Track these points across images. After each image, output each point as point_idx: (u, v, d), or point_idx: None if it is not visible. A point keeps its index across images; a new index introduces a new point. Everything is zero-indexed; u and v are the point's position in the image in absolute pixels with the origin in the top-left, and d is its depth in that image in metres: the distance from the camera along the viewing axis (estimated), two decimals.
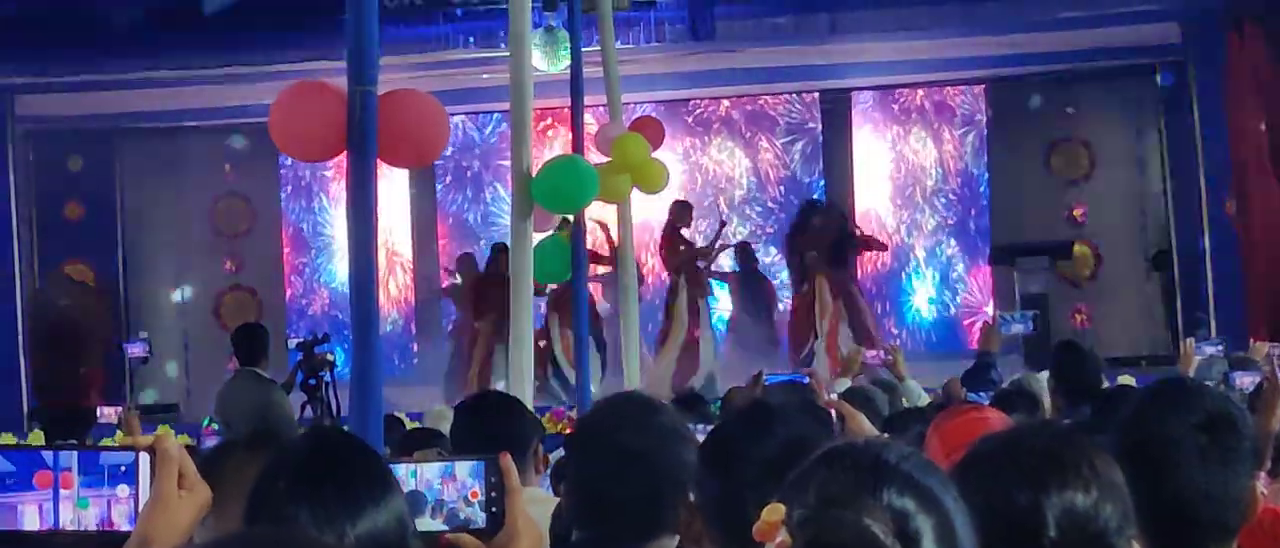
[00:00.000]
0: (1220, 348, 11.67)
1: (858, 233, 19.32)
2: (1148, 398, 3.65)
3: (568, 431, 8.53)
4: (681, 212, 18.67)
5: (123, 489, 2.59)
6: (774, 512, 2.18)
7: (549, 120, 19.16)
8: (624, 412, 3.91)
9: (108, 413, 12.28)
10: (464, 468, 3.03)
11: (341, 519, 2.74)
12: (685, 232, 18.71)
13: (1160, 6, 17.02)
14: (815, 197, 20.10)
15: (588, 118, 11.92)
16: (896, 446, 2.28)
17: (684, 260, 18.49)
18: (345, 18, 5.72)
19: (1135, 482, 2.85)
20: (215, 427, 11.50)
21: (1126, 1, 16.73)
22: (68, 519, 2.59)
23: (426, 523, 2.97)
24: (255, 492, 2.80)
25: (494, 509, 3.00)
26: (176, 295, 20.73)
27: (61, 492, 2.59)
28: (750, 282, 19.34)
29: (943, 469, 2.33)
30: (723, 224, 19.13)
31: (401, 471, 2.98)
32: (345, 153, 5.80)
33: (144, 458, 2.59)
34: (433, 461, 3.10)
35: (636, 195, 11.98)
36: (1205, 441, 3.47)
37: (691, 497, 3.53)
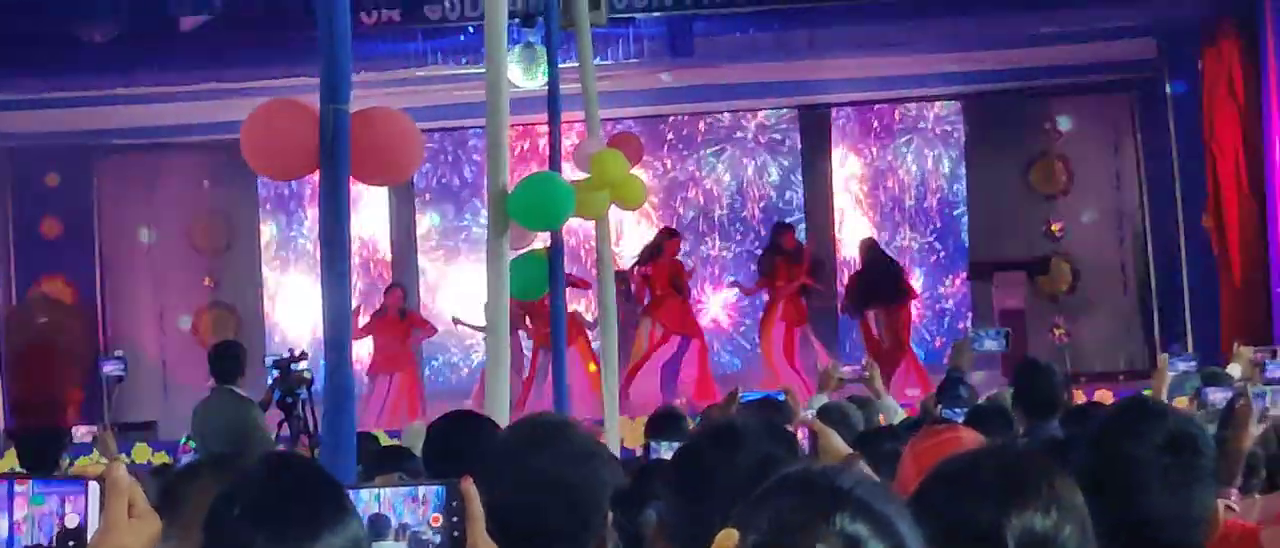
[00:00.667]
0: (1194, 364, 11.70)
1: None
2: (1111, 419, 3.66)
3: None
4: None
5: (72, 518, 2.58)
6: (728, 538, 2.18)
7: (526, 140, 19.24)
8: (535, 435, 3.78)
9: (83, 432, 12.26)
10: (426, 492, 3.01)
11: (297, 545, 2.72)
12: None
13: (1137, 23, 17.06)
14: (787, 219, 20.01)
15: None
16: (851, 471, 2.28)
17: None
18: (318, 34, 5.72)
19: (1099, 503, 2.85)
20: (192, 445, 11.47)
21: (1103, 18, 16.76)
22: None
23: (389, 547, 2.95)
24: (211, 517, 2.78)
25: (455, 534, 2.98)
26: (154, 313, 20.68)
27: (14, 520, 2.57)
28: None
29: (898, 495, 2.34)
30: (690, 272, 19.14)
31: (365, 494, 2.95)
32: (318, 171, 5.78)
33: (94, 487, 2.57)
34: (394, 485, 3.07)
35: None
36: (1168, 461, 3.48)
37: (611, 517, 3.51)
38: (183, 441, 12.44)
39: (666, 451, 5.45)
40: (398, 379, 18.30)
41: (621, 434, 11.65)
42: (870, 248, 19.14)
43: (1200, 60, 16.88)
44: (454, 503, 2.98)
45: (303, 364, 12.57)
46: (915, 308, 19.64)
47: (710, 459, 3.43)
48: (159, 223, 20.64)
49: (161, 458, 14.83)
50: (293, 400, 12.36)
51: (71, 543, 2.58)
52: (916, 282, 20.29)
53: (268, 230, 21.03)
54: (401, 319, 18.51)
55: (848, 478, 2.24)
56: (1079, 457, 3.54)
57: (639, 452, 9.82)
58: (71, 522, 2.57)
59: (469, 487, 2.99)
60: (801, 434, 5.28)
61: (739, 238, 20.90)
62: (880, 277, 18.68)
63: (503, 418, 7.00)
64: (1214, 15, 16.62)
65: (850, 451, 4.63)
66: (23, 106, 18.24)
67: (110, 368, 15.63)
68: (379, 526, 2.94)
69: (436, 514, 2.98)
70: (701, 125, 21.02)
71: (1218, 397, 8.65)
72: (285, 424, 12.32)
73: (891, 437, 6.10)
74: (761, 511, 2.23)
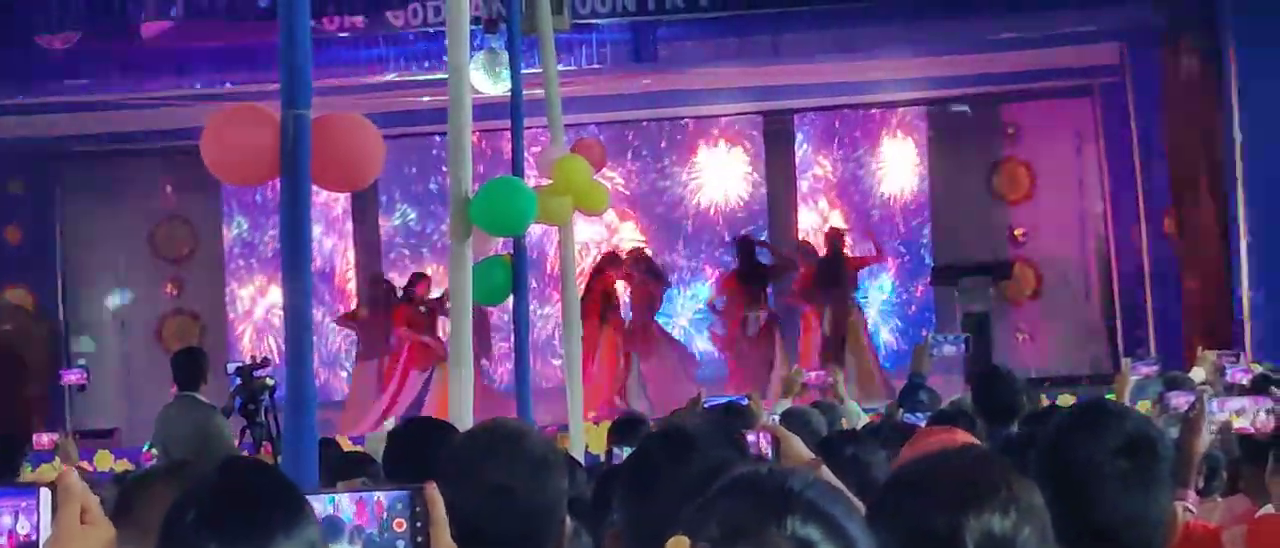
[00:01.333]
0: (1156, 368, 11.73)
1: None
2: (1068, 422, 3.66)
3: None
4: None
5: (23, 525, 2.56)
6: (678, 544, 2.17)
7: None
8: (490, 442, 3.79)
9: (44, 440, 12.20)
10: (389, 497, 3.00)
11: None
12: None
13: (1099, 27, 17.11)
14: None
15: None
16: (802, 473, 2.27)
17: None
18: (279, 39, 5.70)
19: (1057, 506, 2.85)
20: (155, 452, 11.42)
21: (1066, 22, 16.81)
22: None
23: None
24: (166, 523, 2.77)
25: (419, 540, 2.97)
26: (117, 320, 20.60)
27: None
28: None
29: (850, 498, 2.33)
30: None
31: (321, 498, 2.94)
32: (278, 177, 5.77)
33: (45, 494, 2.55)
34: (356, 490, 3.06)
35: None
36: (1125, 464, 3.49)
37: (568, 524, 3.50)
38: (145, 447, 12.40)
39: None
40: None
41: (586, 440, 11.65)
42: (834, 237, 19.17)
43: (1162, 65, 16.93)
44: (418, 509, 2.97)
45: (265, 371, 12.53)
46: (872, 311, 19.75)
47: (661, 464, 3.44)
48: (122, 230, 20.57)
49: (124, 465, 14.78)
50: (255, 407, 12.32)
51: None
52: (880, 286, 20.33)
53: (231, 235, 20.97)
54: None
55: (798, 480, 2.24)
56: (1037, 459, 3.54)
57: (603, 458, 9.81)
58: (23, 529, 2.55)
59: (433, 492, 2.98)
60: (764, 439, 5.28)
61: (704, 245, 20.90)
62: (835, 266, 18.74)
63: (466, 422, 6.99)
64: (1176, 20, 16.68)
65: (812, 456, 4.62)
66: None
67: (74, 375, 15.56)
68: (333, 527, 2.93)
69: (400, 519, 2.97)
70: (665, 131, 21.02)
71: (1179, 401, 8.66)
72: (248, 431, 12.28)
73: (853, 441, 6.09)
74: (711, 514, 2.22)
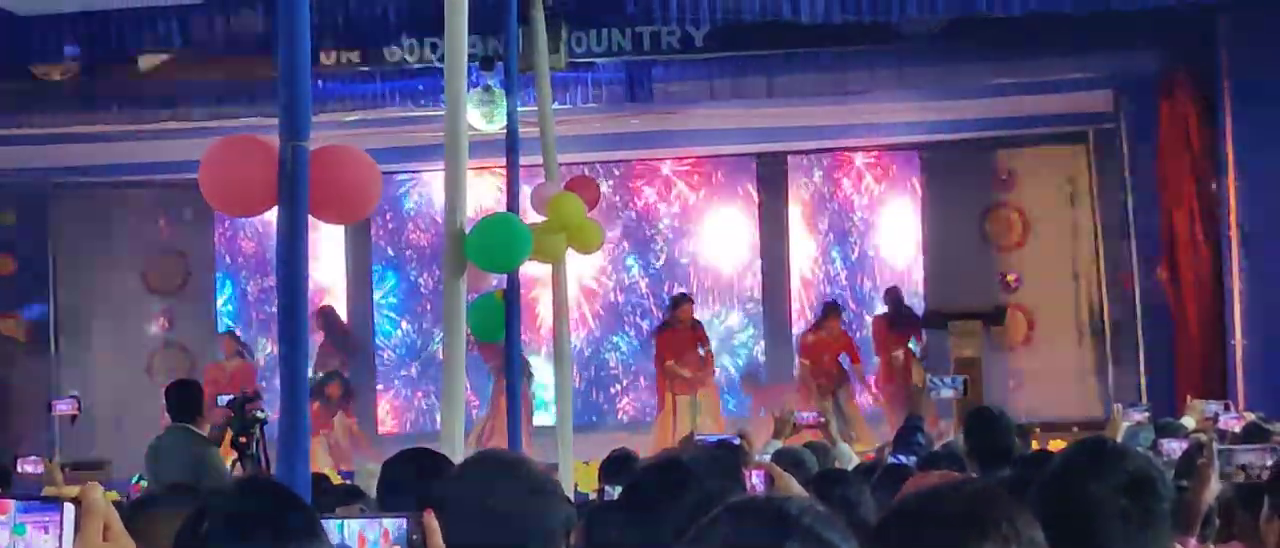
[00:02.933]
0: (1147, 415, 11.73)
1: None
2: (1070, 459, 3.66)
3: None
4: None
5: (48, 541, 2.56)
6: None
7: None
8: (486, 472, 3.82)
9: (29, 468, 12.15)
10: (387, 524, 3.02)
11: None
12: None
13: (1094, 74, 17.15)
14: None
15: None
16: (798, 499, 2.29)
17: None
18: (278, 71, 5.71)
19: (1057, 543, 2.85)
20: (143, 484, 11.38)
21: (1060, 69, 16.85)
22: None
23: None
24: (181, 535, 2.78)
25: None
26: (108, 352, 20.56)
27: None
28: None
29: (845, 524, 2.34)
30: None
31: (330, 524, 2.96)
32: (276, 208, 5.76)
33: (69, 509, 2.56)
34: (356, 516, 3.08)
35: None
36: (1126, 503, 3.49)
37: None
38: (134, 479, 12.35)
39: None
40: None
41: (574, 478, 11.64)
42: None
43: (1157, 113, 16.96)
44: (415, 537, 2.99)
45: (258, 404, 12.51)
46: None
47: (658, 493, 3.45)
48: (114, 262, 20.56)
49: (113, 496, 14.72)
50: (247, 440, 12.30)
51: None
52: (868, 330, 20.37)
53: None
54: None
55: (796, 506, 2.26)
56: (1038, 496, 3.54)
57: (593, 495, 9.80)
58: (47, 544, 2.56)
59: (431, 520, 3.01)
60: (757, 477, 5.28)
61: (697, 286, 20.91)
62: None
63: (457, 455, 6.98)
64: (1170, 68, 16.72)
65: (805, 494, 4.63)
66: None
67: (64, 406, 15.50)
68: None
69: (397, 546, 2.99)
70: (659, 171, 21.05)
71: (1172, 447, 8.68)
72: (239, 464, 12.25)
73: (844, 480, 6.10)
74: (710, 539, 2.23)
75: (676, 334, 19.04)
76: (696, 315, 19.73)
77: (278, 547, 2.73)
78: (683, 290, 19.94)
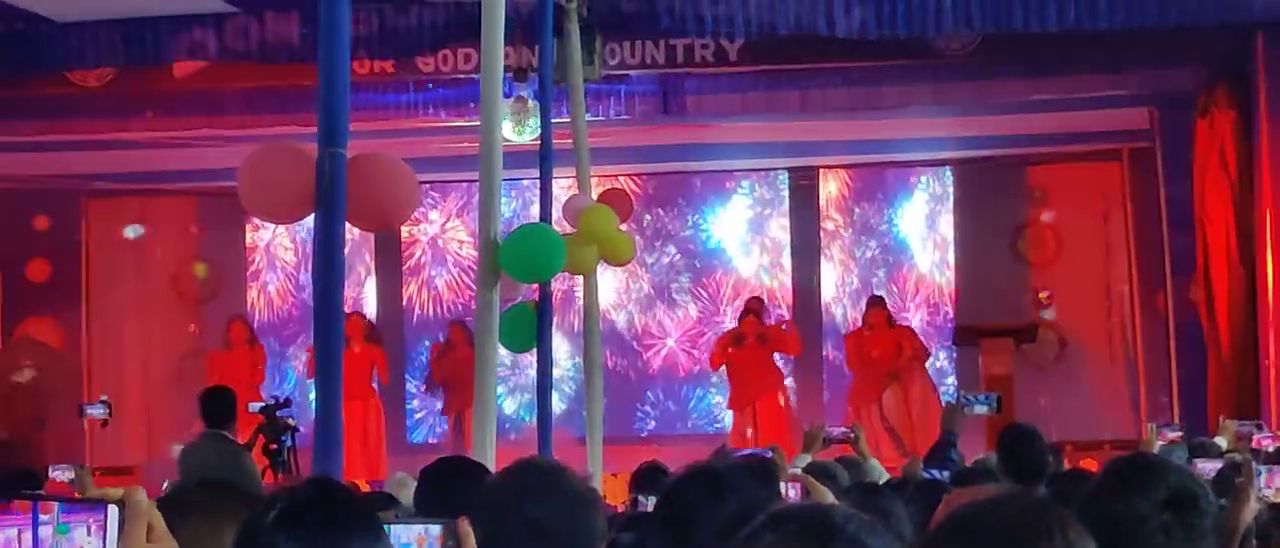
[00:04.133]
0: (1180, 435, 11.68)
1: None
2: (1111, 474, 3.64)
3: None
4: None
5: (92, 541, 2.58)
6: None
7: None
8: (527, 480, 3.79)
9: (60, 478, 12.16)
10: (422, 530, 3.03)
11: None
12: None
13: (1130, 92, 17.09)
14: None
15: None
16: (842, 508, 2.28)
17: None
18: (318, 78, 5.72)
19: None
20: None
21: (1096, 86, 16.79)
22: None
23: None
24: (245, 528, 2.80)
25: None
26: (139, 358, 20.60)
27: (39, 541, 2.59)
28: None
29: (890, 533, 2.34)
30: None
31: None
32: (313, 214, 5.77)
33: (113, 511, 2.58)
34: (391, 522, 3.08)
35: None
36: (1168, 517, 3.47)
37: None
38: (165, 486, 12.36)
39: (653, 505, 5.45)
40: None
41: (603, 491, 11.63)
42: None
43: (1193, 131, 16.90)
44: (450, 543, 2.99)
45: (289, 411, 12.54)
46: None
47: (695, 503, 3.44)
48: (146, 268, 20.61)
49: None
50: (278, 447, 12.33)
51: None
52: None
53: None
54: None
55: (840, 514, 2.25)
56: (1077, 512, 3.52)
57: (620, 508, 9.78)
58: (92, 545, 2.57)
59: (465, 526, 3.01)
60: (791, 490, 5.27)
61: (726, 298, 20.88)
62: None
63: (490, 463, 6.99)
64: (1207, 87, 16.65)
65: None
66: (14, 149, 18.22)
67: (95, 411, 15.55)
68: None
69: None
70: (691, 183, 21.04)
71: (1207, 468, 8.64)
72: (269, 470, 12.28)
73: (877, 494, 6.07)
74: (755, 547, 2.22)
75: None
76: (723, 325, 19.86)
77: (343, 542, 2.75)
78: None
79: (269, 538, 2.75)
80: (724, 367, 19.19)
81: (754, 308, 19.31)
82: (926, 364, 19.54)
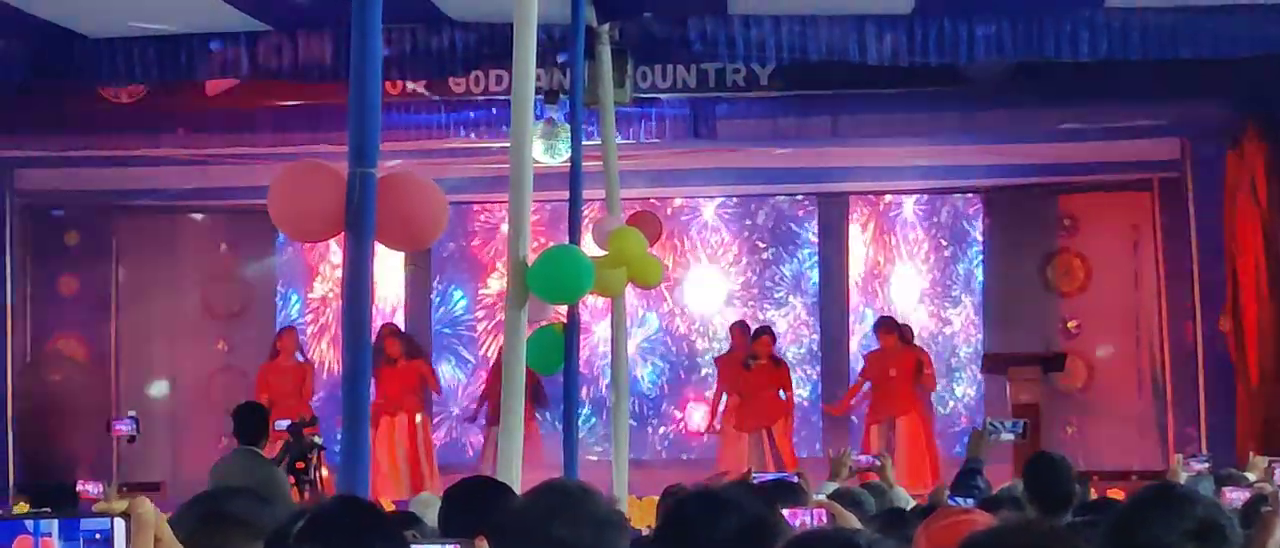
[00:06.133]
0: (1207, 466, 11.63)
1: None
2: (1137, 504, 3.63)
3: None
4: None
5: None
6: None
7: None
8: (555, 503, 3.77)
9: (91, 491, 12.20)
10: None
11: None
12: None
13: (1162, 122, 17.04)
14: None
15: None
16: (866, 533, 2.29)
17: None
18: (348, 98, 5.73)
19: None
20: None
21: (1127, 116, 16.74)
22: None
23: None
24: (270, 540, 2.82)
25: None
26: (167, 374, 20.65)
27: None
28: None
29: None
30: None
31: None
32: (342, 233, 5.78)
33: (120, 523, 2.59)
34: (418, 542, 3.10)
35: None
36: None
37: None
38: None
39: None
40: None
41: (630, 514, 11.62)
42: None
43: (1224, 162, 16.86)
44: None
45: (315, 429, 12.57)
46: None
47: (696, 522, 3.45)
48: (175, 285, 20.67)
49: (168, 516, 14.78)
50: (305, 465, 12.35)
51: None
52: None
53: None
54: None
55: (864, 538, 2.26)
56: (1103, 541, 3.52)
57: (645, 531, 9.77)
58: None
59: (483, 546, 3.01)
60: (818, 516, 5.26)
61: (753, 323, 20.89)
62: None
63: (516, 483, 6.99)
64: (1239, 118, 16.61)
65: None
66: (46, 164, 18.32)
67: (124, 427, 15.60)
68: None
69: None
70: (719, 208, 21.05)
71: (1235, 497, 8.61)
72: (296, 488, 12.29)
73: (904, 522, 6.06)
74: None
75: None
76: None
77: None
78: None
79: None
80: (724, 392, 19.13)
81: (768, 330, 19.28)
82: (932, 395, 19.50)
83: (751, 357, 18.85)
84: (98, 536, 2.62)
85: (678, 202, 20.78)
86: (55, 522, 2.63)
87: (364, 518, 2.87)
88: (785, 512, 4.24)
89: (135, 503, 2.62)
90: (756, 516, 3.42)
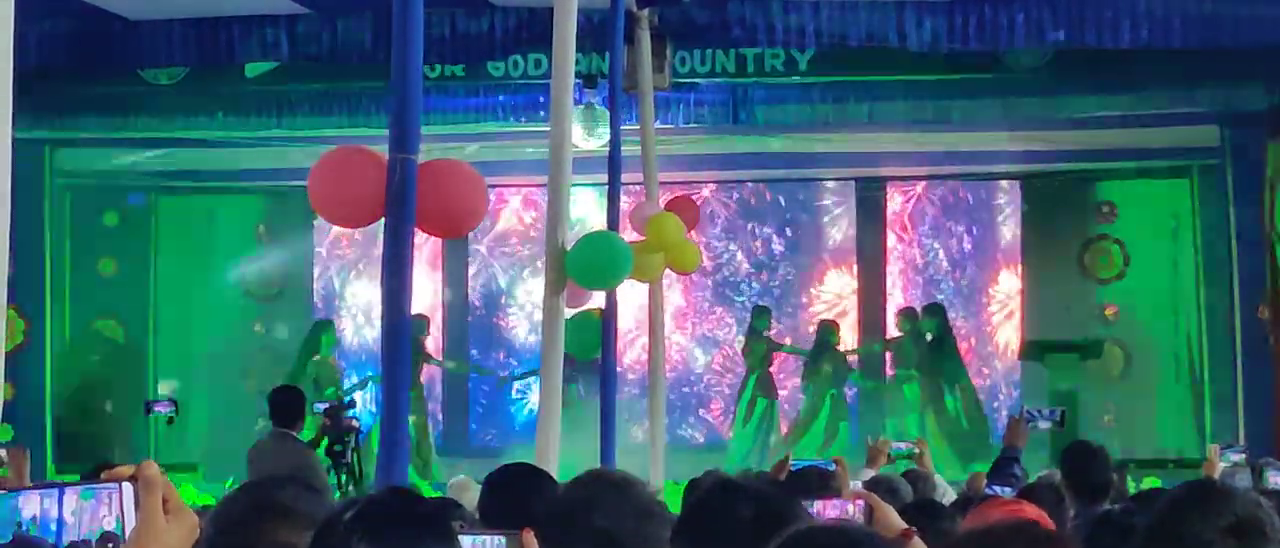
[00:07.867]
0: (1244, 456, 11.58)
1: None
2: (1176, 500, 3.63)
3: None
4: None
5: (108, 520, 2.61)
6: None
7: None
8: (597, 492, 3.81)
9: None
10: (485, 541, 3.04)
11: None
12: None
13: (1201, 109, 16.95)
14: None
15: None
16: (858, 529, 2.30)
17: None
18: (390, 84, 5.74)
19: None
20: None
21: (1166, 103, 16.67)
22: None
23: None
24: (323, 525, 2.84)
25: None
26: (205, 356, 20.71)
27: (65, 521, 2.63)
28: None
29: None
30: None
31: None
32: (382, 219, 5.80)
33: (127, 488, 2.61)
34: (464, 532, 3.10)
35: None
36: (1234, 544, 3.45)
37: None
38: (228, 484, 12.45)
39: None
40: None
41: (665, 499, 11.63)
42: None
43: (1263, 150, 16.78)
44: None
45: (352, 412, 12.59)
46: None
47: (717, 510, 3.47)
48: (213, 267, 20.73)
49: (207, 500, 14.86)
50: (341, 448, 12.37)
51: (110, 546, 2.62)
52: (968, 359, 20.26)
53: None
54: None
55: (858, 534, 2.27)
56: (1144, 537, 3.52)
57: None
58: (108, 524, 2.61)
59: (530, 539, 3.01)
60: (854, 506, 5.27)
61: (790, 307, 20.90)
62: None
63: (554, 471, 7.00)
64: (1278, 105, 16.53)
65: (904, 524, 4.61)
66: (86, 145, 18.39)
67: (161, 408, 15.66)
68: None
69: None
70: (757, 193, 21.05)
71: (1278, 479, 8.61)
72: (334, 471, 12.32)
73: (938, 513, 6.05)
74: None
75: None
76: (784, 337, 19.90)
77: (409, 542, 2.79)
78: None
79: (345, 540, 2.78)
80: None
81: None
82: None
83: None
84: (105, 500, 2.64)
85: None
86: (58, 492, 2.66)
87: (416, 507, 2.88)
88: (819, 503, 4.26)
89: (143, 466, 2.63)
90: (773, 505, 3.43)
